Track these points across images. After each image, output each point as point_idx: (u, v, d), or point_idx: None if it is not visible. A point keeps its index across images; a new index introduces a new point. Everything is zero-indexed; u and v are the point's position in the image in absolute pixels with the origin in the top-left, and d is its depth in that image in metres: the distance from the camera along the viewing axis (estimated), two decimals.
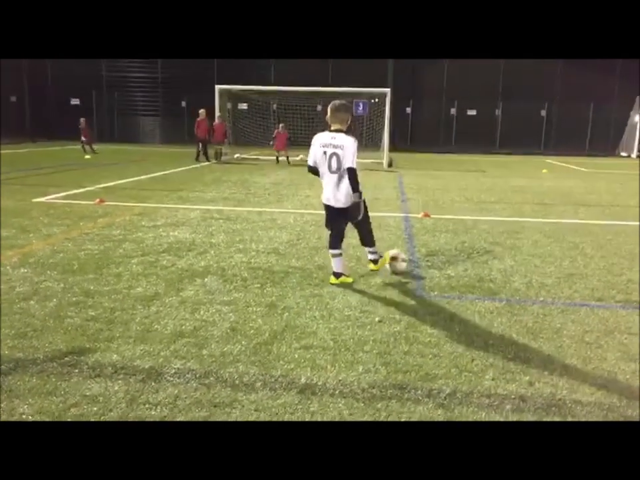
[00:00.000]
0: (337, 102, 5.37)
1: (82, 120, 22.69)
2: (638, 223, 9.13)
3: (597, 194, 13.41)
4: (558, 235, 8.11)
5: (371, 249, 5.83)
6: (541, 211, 10.58)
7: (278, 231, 8.02)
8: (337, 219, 5.50)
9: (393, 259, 5.87)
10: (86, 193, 11.58)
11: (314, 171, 5.44)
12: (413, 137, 31.45)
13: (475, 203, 11.37)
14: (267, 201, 11.11)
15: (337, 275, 5.51)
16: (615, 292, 5.48)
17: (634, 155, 29.22)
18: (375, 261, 5.86)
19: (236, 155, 22.22)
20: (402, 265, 5.89)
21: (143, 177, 14.87)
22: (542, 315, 4.80)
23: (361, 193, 5.28)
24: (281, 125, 20.74)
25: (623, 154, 30.22)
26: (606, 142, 30.56)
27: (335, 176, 5.26)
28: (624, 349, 4.14)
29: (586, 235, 8.16)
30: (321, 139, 5.30)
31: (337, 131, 5.27)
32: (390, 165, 19.84)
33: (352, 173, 5.17)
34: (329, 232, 5.63)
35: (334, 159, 5.20)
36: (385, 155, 20.43)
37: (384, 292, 5.33)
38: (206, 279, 5.59)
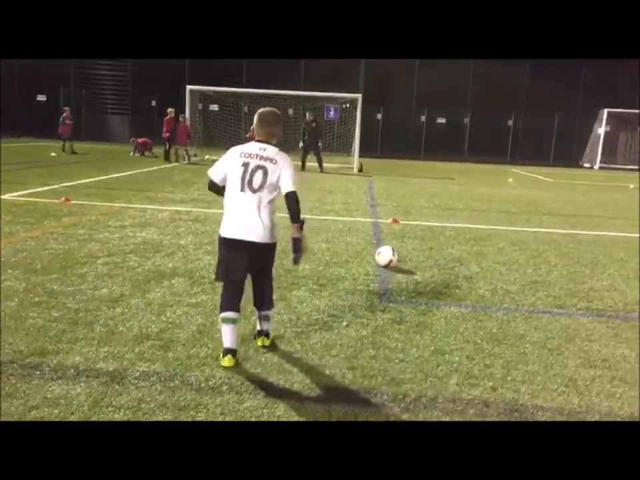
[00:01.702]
0: (266, 110, 3.96)
1: (66, 109, 21.90)
2: (603, 234, 9.40)
3: (561, 203, 13.72)
4: (522, 243, 8.27)
5: (269, 312, 4.13)
6: (506, 218, 10.78)
7: None
8: (253, 261, 3.86)
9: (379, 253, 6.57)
10: (51, 191, 11.34)
11: (217, 188, 3.94)
12: (383, 143, 31.70)
13: (443, 210, 11.52)
14: None
15: (233, 352, 3.82)
16: (577, 300, 5.61)
17: (596, 167, 30.02)
18: (267, 334, 4.16)
19: (206, 157, 22.06)
20: (380, 261, 6.47)
21: (110, 176, 14.63)
22: (506, 322, 4.89)
23: (303, 224, 3.89)
24: None
25: (586, 165, 31.01)
26: (570, 153, 31.32)
27: (256, 197, 3.75)
28: (584, 355, 4.25)
29: (549, 243, 8.35)
30: (242, 148, 3.88)
31: (266, 142, 3.88)
32: (360, 169, 20.01)
33: (294, 198, 3.80)
34: (226, 284, 3.95)
35: (258, 174, 3.74)
36: (355, 159, 20.59)
37: (351, 296, 5.35)
38: (173, 281, 5.53)
